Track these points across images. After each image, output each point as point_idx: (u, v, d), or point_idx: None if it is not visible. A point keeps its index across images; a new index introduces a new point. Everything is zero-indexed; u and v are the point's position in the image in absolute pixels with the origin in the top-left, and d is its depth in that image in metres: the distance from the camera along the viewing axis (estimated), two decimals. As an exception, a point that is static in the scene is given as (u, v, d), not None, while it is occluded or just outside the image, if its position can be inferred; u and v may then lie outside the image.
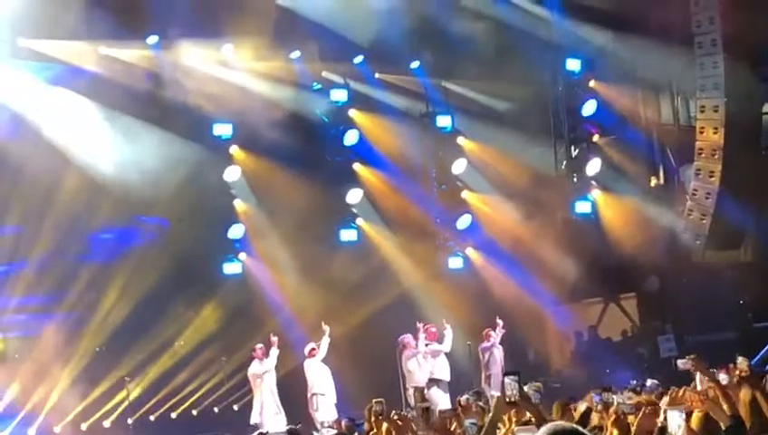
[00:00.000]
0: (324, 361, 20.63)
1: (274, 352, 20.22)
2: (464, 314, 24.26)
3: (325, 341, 20.41)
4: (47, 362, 21.28)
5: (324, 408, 20.00)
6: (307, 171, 23.38)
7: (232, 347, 22.70)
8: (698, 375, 10.30)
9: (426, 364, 21.08)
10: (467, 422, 10.07)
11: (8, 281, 21.37)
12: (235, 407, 22.64)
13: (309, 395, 20.26)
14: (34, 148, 20.58)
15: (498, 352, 21.74)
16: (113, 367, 21.94)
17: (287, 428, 16.31)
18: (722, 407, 8.35)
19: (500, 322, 21.94)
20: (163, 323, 22.59)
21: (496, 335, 21.86)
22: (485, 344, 21.88)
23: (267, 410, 19.96)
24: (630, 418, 8.59)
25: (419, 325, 21.23)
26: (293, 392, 20.54)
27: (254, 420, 19.83)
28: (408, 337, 21.26)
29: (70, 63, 21.75)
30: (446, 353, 21.46)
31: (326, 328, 20.53)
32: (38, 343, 21.43)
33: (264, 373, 20.18)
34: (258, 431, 11.37)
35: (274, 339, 20.33)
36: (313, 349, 20.48)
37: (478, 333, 22.35)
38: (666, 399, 8.30)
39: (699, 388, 9.41)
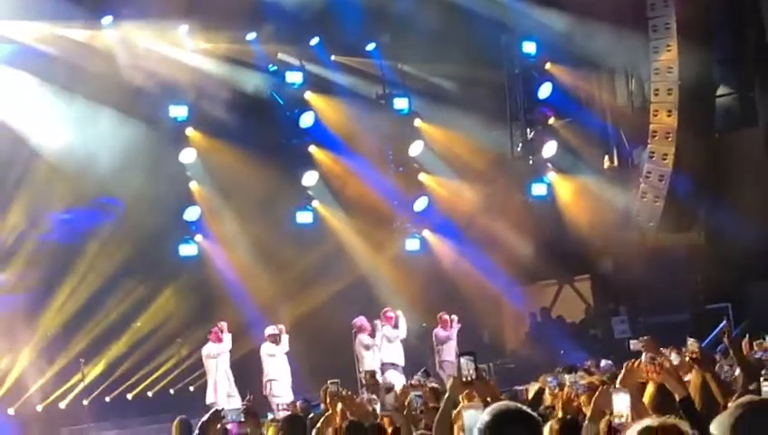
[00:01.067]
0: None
1: (227, 336, 20.25)
2: (420, 295, 24.38)
3: (285, 339, 20.48)
4: (3, 343, 21.18)
5: (279, 391, 20.03)
6: (263, 153, 23.33)
7: (188, 329, 22.70)
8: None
9: (381, 348, 21.15)
10: (412, 394, 10.16)
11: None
12: (191, 388, 22.64)
13: (264, 380, 20.28)
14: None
15: (453, 342, 21.82)
16: (70, 348, 21.89)
17: (243, 404, 16.31)
18: (678, 378, 8.44)
19: (455, 317, 22.06)
20: (120, 305, 22.54)
21: (453, 328, 21.95)
22: (442, 332, 21.95)
23: (221, 392, 19.97)
24: (583, 398, 8.68)
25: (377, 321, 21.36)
26: (248, 375, 20.54)
27: (209, 400, 19.82)
28: (361, 319, 21.31)
29: (24, 43, 21.55)
30: (401, 339, 21.54)
31: (281, 327, 20.61)
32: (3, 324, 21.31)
33: (217, 355, 20.20)
34: (214, 408, 11.36)
35: (223, 324, 20.37)
36: (273, 335, 20.46)
37: (434, 316, 22.45)
38: (622, 372, 8.36)
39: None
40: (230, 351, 20.38)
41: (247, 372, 20.71)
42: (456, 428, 7.88)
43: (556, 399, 10.47)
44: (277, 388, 20.09)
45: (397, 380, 20.06)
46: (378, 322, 21.30)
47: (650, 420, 4.52)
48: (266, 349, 20.43)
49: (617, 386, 8.13)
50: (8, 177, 21.11)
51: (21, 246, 21.71)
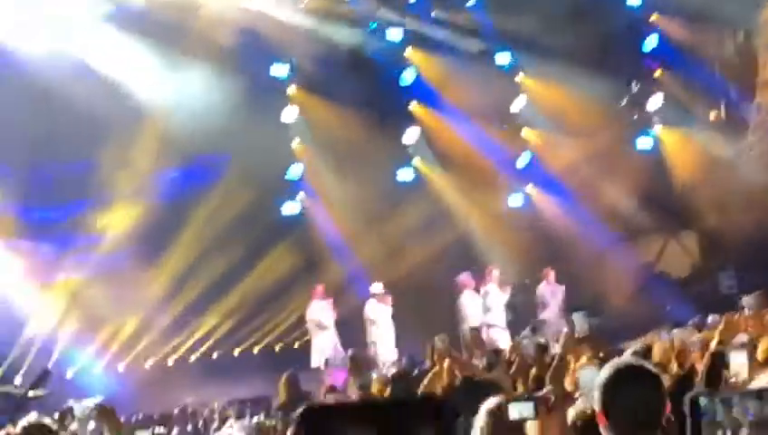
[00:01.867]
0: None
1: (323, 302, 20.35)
2: (523, 252, 24.25)
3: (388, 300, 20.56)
4: (113, 302, 21.53)
5: (384, 350, 20.08)
6: (364, 111, 23.31)
7: (291, 286, 22.80)
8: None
9: (483, 306, 21.09)
10: (524, 343, 10.12)
11: (76, 220, 21.59)
12: (296, 345, 22.84)
13: (368, 341, 20.34)
14: (92, 87, 20.68)
15: (556, 299, 21.69)
16: (177, 306, 22.21)
17: (350, 352, 16.38)
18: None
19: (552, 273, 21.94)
20: (225, 264, 22.78)
21: (553, 284, 21.85)
22: (544, 289, 21.86)
23: (327, 352, 20.07)
24: (695, 354, 8.56)
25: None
26: (352, 332, 20.63)
27: (314, 364, 19.94)
28: (466, 276, 21.26)
29: (126, 2, 21.73)
30: (505, 298, 21.49)
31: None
32: (107, 282, 21.64)
33: (320, 315, 20.31)
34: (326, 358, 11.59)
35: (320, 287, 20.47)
36: (379, 295, 20.53)
37: (537, 272, 22.34)
38: (721, 325, 8.23)
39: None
40: (333, 314, 20.48)
41: (351, 329, 20.80)
42: (567, 381, 7.84)
43: (666, 355, 10.36)
44: (381, 348, 20.16)
45: (501, 339, 20.02)
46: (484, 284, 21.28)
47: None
48: (369, 312, 20.49)
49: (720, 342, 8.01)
50: (113, 135, 21.35)
51: (129, 205, 22.02)
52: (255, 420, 10.79)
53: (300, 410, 1.31)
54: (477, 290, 21.15)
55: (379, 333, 20.32)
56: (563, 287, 21.92)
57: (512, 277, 22.42)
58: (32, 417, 6.35)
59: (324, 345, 20.21)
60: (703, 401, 2.90)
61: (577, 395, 6.86)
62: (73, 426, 8.47)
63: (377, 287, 20.64)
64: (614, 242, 26.17)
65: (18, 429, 6.14)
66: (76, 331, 20.90)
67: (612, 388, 4.32)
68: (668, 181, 25.27)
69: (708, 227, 25.52)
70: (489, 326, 20.87)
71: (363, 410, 1.32)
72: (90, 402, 7.94)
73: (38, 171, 21.22)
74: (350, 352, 16.79)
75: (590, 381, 6.54)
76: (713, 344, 7.59)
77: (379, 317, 20.46)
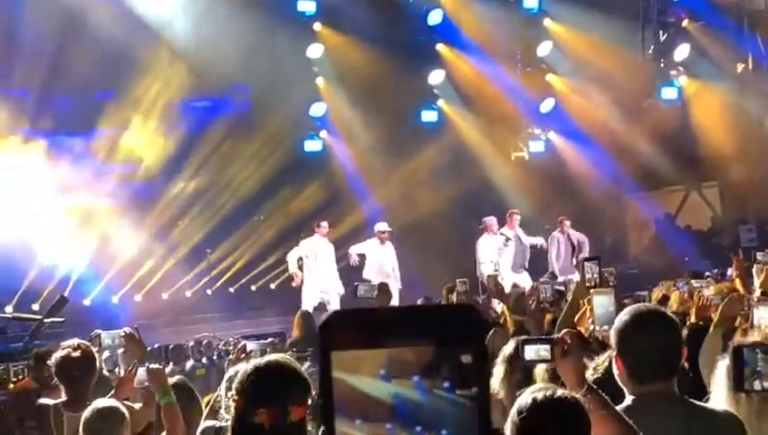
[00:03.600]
0: (399, 243, 20.77)
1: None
2: (544, 198, 24.23)
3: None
4: (133, 232, 21.64)
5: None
6: (390, 51, 23.19)
7: (311, 225, 22.80)
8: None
9: (505, 250, 21.07)
10: (541, 286, 10.14)
11: (100, 147, 21.66)
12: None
13: (369, 276, 20.24)
14: (119, 17, 20.68)
15: (572, 244, 21.66)
16: (195, 237, 22.33)
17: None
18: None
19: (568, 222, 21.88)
20: (244, 198, 22.87)
21: (568, 232, 21.82)
22: (559, 234, 21.84)
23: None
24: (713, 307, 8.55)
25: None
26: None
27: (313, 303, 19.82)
28: (490, 219, 21.23)
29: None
30: (528, 243, 21.49)
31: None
32: (129, 210, 21.75)
33: (318, 252, 20.22)
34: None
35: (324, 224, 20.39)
36: (381, 232, 20.43)
37: (557, 219, 22.33)
38: (757, 281, 8.24)
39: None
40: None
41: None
42: (581, 329, 7.86)
43: (683, 305, 10.37)
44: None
45: (521, 283, 20.02)
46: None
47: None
48: (364, 249, 20.43)
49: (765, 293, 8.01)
50: (138, 65, 21.35)
51: (154, 134, 22.08)
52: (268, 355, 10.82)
53: (325, 315, 1.26)
54: (499, 233, 21.13)
55: (371, 272, 20.21)
56: (579, 235, 21.87)
57: (532, 223, 22.43)
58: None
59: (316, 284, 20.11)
60: (746, 350, 2.91)
61: (592, 327, 6.88)
62: (105, 354, 8.54)
63: (381, 226, 20.57)
64: (635, 192, 26.13)
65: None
66: (94, 259, 21.00)
67: (629, 332, 4.33)
68: (692, 133, 25.12)
69: (731, 180, 25.43)
70: (512, 271, 20.88)
71: (393, 315, 1.27)
72: (119, 331, 7.96)
73: (61, 98, 21.24)
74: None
75: (603, 307, 6.57)
76: (757, 294, 7.59)
77: (374, 256, 20.37)
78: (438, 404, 1.17)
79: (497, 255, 20.77)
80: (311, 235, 20.36)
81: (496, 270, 19.70)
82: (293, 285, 20.17)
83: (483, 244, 20.98)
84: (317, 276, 20.04)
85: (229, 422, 6.80)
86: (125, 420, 6.23)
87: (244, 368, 2.95)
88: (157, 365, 6.79)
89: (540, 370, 5.09)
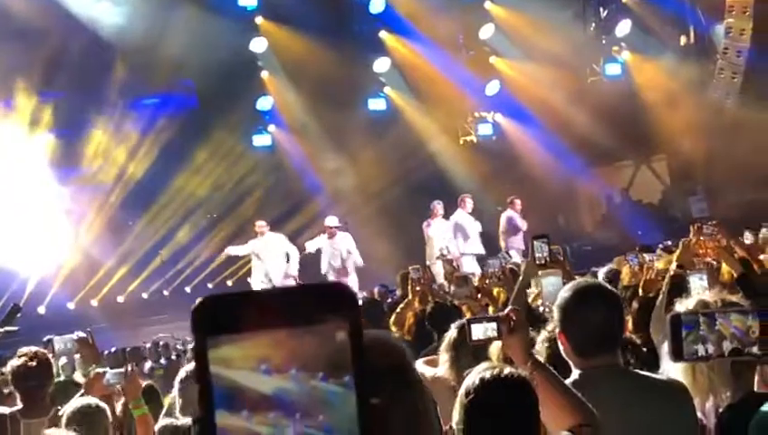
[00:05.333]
0: (354, 233, 20.78)
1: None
2: (493, 180, 24.30)
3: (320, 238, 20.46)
4: (82, 236, 21.53)
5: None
6: (334, 41, 23.18)
7: (262, 218, 22.75)
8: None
9: (457, 234, 21.11)
10: (489, 262, 10.18)
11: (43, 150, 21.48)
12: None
13: (324, 271, 20.26)
14: (58, 17, 20.51)
15: (522, 223, 21.73)
16: (149, 239, 22.24)
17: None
18: (733, 255, 8.41)
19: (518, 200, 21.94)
20: (196, 195, 22.81)
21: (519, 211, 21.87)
22: (510, 215, 21.87)
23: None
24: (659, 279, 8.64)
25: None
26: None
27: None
28: (437, 204, 21.25)
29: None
30: (479, 230, 21.53)
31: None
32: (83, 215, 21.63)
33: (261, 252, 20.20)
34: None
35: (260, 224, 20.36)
36: (331, 228, 20.38)
37: (506, 200, 22.38)
38: (679, 248, 8.35)
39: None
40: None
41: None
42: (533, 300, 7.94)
43: (634, 278, 10.46)
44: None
45: (473, 269, 20.06)
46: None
47: (706, 296, 4.52)
48: (310, 244, 20.43)
49: (680, 266, 8.09)
50: (84, 66, 21.17)
51: (99, 135, 21.93)
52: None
53: (198, 300, 1.28)
54: (447, 217, 21.17)
55: (324, 266, 20.23)
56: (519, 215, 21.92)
57: (483, 205, 22.50)
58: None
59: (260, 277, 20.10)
60: (686, 316, 2.93)
61: (541, 307, 6.95)
62: (63, 360, 8.52)
63: (329, 220, 20.54)
64: (585, 169, 26.26)
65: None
66: (46, 265, 20.88)
67: (571, 307, 4.36)
68: (638, 107, 25.26)
69: (678, 153, 25.62)
70: (463, 254, 20.89)
71: (266, 296, 1.30)
72: (72, 336, 7.96)
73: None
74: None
75: (552, 287, 6.65)
76: (672, 267, 7.68)
77: (324, 251, 20.36)
78: (315, 394, 1.23)
79: (446, 239, 20.80)
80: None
81: (444, 254, 19.75)
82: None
83: (434, 228, 21.00)
84: (265, 274, 20.02)
85: (185, 421, 6.84)
86: (106, 416, 6.27)
87: None
88: (132, 375, 6.83)
89: (495, 349, 5.13)
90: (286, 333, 1.24)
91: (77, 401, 6.39)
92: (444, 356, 6.22)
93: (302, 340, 1.24)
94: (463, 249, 20.94)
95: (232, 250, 20.60)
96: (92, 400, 6.44)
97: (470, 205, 21.44)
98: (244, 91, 23.46)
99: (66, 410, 6.26)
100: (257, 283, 19.84)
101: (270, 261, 20.00)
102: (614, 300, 4.49)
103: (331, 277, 19.68)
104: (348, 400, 1.23)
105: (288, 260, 19.99)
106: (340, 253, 20.28)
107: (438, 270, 18.31)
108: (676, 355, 2.92)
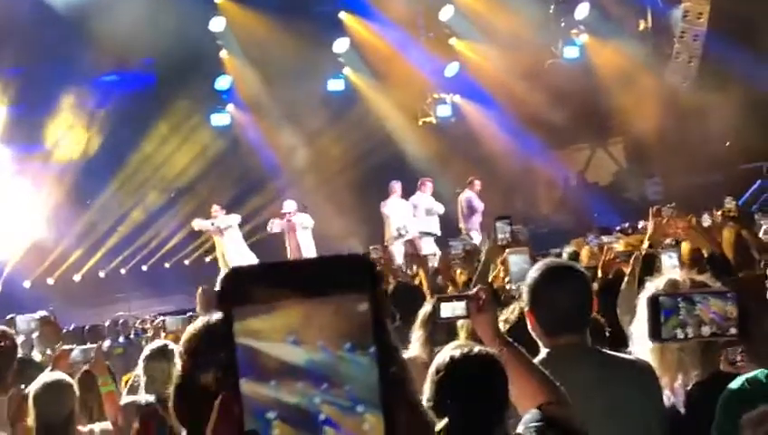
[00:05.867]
0: (313, 214, 20.80)
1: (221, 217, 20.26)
2: (452, 162, 24.37)
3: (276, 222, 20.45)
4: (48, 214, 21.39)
5: None
6: (293, 21, 23.03)
7: (220, 198, 22.72)
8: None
9: (417, 215, 21.17)
10: (451, 243, 10.26)
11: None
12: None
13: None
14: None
15: (481, 204, 21.82)
16: (108, 217, 22.12)
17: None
18: (705, 236, 8.50)
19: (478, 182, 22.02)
20: (155, 174, 22.72)
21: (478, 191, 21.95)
22: (469, 196, 21.93)
23: None
24: (619, 260, 8.72)
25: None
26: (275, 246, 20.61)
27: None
28: (395, 183, 21.30)
29: None
30: (438, 212, 21.59)
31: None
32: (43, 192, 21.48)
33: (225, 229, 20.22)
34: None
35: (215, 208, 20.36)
36: (287, 214, 20.39)
37: (465, 181, 22.46)
38: (651, 225, 8.45)
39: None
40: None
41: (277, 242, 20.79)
42: (496, 280, 8.00)
43: (593, 259, 10.55)
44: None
45: (433, 249, 20.11)
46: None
47: (677, 275, 4.57)
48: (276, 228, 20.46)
49: (651, 245, 8.20)
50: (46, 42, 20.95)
51: (61, 113, 21.74)
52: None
53: (224, 272, 1.33)
54: (405, 198, 21.22)
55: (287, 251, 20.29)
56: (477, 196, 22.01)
57: (442, 187, 22.57)
58: None
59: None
60: (664, 299, 2.98)
61: (508, 285, 7.02)
62: (20, 338, 8.49)
63: (285, 205, 20.55)
64: (542, 152, 26.37)
65: None
66: (4, 243, 20.76)
67: (540, 287, 4.42)
68: (595, 90, 25.39)
69: (634, 135, 25.79)
70: (422, 235, 20.96)
71: (289, 268, 1.34)
72: (34, 315, 7.94)
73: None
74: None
75: (518, 265, 6.72)
76: (644, 247, 7.77)
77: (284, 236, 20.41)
78: (342, 364, 1.28)
79: (404, 218, 20.85)
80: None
81: (401, 235, 19.83)
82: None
83: (391, 207, 21.03)
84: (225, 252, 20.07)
85: (149, 398, 6.87)
86: (74, 392, 6.29)
87: (191, 327, 2.92)
88: (99, 352, 6.86)
89: (463, 326, 5.18)
90: (311, 305, 1.28)
91: (46, 376, 6.40)
92: (417, 333, 6.27)
93: (327, 311, 1.28)
94: (421, 229, 21.01)
95: (198, 223, 20.55)
96: (61, 375, 6.45)
97: (430, 188, 21.51)
98: (203, 70, 23.36)
99: (34, 385, 6.26)
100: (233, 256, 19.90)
101: (230, 241, 20.07)
102: (584, 280, 4.55)
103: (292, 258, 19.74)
104: (371, 370, 1.28)
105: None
106: (299, 238, 20.35)
107: (397, 250, 18.37)
108: (655, 337, 2.98)
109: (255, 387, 1.28)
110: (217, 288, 1.31)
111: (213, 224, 20.27)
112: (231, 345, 1.28)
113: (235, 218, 20.37)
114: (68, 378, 6.42)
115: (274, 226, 20.38)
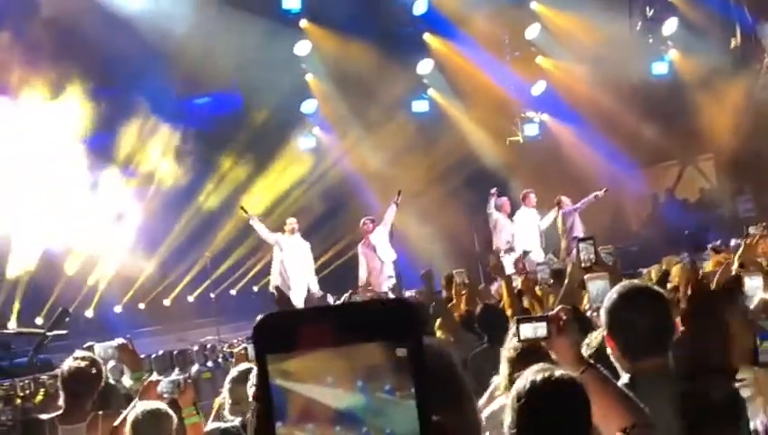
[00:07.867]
0: (401, 237, 20.72)
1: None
2: (540, 181, 24.20)
3: (391, 210, 20.23)
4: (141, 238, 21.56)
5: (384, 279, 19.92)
6: (377, 43, 23.17)
7: (310, 222, 22.74)
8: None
9: (520, 231, 21.14)
10: (538, 268, 10.16)
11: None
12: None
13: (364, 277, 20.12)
14: (107, 22, 20.53)
15: (579, 219, 21.67)
16: (197, 243, 22.23)
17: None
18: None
19: (566, 199, 21.84)
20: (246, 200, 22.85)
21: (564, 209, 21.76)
22: (567, 210, 21.76)
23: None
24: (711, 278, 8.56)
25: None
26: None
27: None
28: (504, 201, 21.32)
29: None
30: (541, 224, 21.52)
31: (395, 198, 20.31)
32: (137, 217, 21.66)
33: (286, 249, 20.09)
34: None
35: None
36: (366, 224, 20.26)
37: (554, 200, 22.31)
38: (741, 248, 8.28)
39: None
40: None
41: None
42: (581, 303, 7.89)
43: (684, 277, 10.37)
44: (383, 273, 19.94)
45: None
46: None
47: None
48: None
49: (741, 265, 8.03)
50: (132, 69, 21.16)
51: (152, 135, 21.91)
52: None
53: (259, 318, 1.27)
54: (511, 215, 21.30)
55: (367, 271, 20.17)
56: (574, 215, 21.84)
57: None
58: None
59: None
60: (765, 323, 2.91)
61: (588, 310, 6.90)
62: (110, 365, 8.56)
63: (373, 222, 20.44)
64: (631, 169, 26.12)
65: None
66: (98, 269, 20.99)
67: (618, 309, 4.33)
68: (684, 107, 25.08)
69: (724, 151, 25.42)
70: (526, 252, 20.81)
71: (327, 314, 1.29)
72: (112, 343, 7.97)
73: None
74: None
75: (599, 291, 6.59)
76: (734, 267, 7.61)
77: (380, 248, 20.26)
78: (382, 406, 1.22)
79: (517, 235, 20.86)
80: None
81: (512, 248, 19.81)
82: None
83: (500, 224, 21.03)
84: (284, 269, 19.91)
85: (233, 422, 6.88)
86: (172, 423, 6.31)
87: None
88: (187, 384, 6.89)
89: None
90: (349, 348, 1.23)
91: (146, 404, 6.41)
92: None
93: (366, 353, 1.23)
94: (527, 247, 20.90)
95: (256, 223, 20.31)
96: (160, 404, 6.46)
97: (534, 200, 21.48)
98: (289, 94, 23.49)
99: (133, 412, 6.29)
100: (276, 276, 19.77)
101: (290, 259, 19.86)
102: (661, 301, 4.45)
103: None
104: (411, 413, 1.22)
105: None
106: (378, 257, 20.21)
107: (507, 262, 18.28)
108: (753, 361, 2.90)
109: (292, 431, 1.24)
110: (252, 334, 1.28)
111: (265, 231, 20.10)
112: (266, 390, 1.24)
113: (287, 242, 20.03)
114: (167, 408, 6.42)
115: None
